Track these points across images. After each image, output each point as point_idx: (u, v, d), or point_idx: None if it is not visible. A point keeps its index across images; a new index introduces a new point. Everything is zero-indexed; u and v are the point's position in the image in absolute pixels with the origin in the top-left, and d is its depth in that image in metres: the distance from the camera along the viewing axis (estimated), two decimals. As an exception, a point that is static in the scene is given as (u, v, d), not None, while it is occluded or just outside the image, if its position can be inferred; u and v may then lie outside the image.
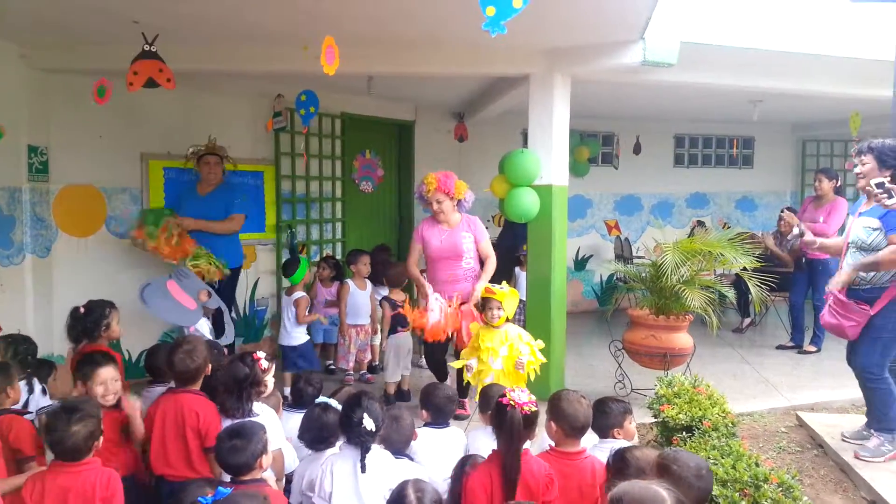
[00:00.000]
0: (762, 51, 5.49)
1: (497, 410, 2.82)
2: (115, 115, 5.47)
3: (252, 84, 6.43)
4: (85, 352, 3.89)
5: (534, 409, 2.81)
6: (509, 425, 2.73)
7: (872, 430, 4.24)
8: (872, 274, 4.03)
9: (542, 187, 5.37)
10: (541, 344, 4.44)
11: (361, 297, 5.98)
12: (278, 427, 3.38)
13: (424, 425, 3.59)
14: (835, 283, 4.12)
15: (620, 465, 2.71)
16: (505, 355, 4.32)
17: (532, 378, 4.34)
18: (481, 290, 4.63)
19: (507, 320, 4.48)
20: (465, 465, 2.96)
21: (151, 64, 4.32)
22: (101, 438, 2.77)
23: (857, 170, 4.16)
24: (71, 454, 2.63)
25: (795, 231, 4.70)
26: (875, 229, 4.03)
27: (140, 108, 5.55)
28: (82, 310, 4.00)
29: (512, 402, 2.77)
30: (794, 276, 7.20)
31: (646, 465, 2.65)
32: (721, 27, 5.30)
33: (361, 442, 2.82)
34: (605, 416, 3.40)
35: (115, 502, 2.65)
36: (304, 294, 5.58)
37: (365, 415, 2.82)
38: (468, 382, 4.69)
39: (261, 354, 3.36)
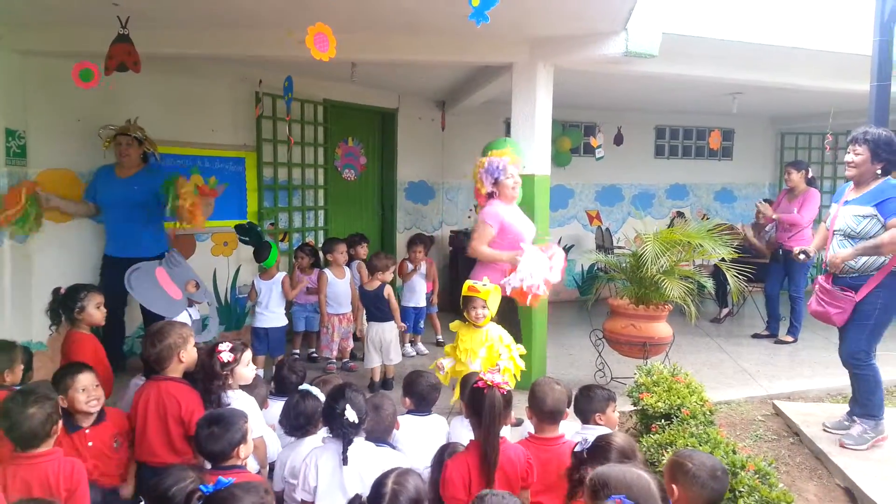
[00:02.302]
0: (742, 43, 5.53)
1: (474, 395, 2.81)
2: (94, 100, 5.39)
3: (233, 69, 6.37)
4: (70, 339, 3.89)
5: (509, 388, 2.85)
6: (490, 407, 2.73)
7: (855, 418, 4.30)
8: (862, 261, 4.07)
9: (524, 177, 5.36)
10: (522, 349, 4.30)
11: (341, 286, 5.97)
12: (258, 415, 3.38)
13: (407, 413, 3.61)
14: (834, 257, 4.09)
15: (602, 451, 2.68)
16: (484, 357, 4.15)
17: (514, 383, 4.21)
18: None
19: (490, 319, 4.27)
20: (445, 453, 2.99)
21: (123, 47, 4.29)
22: (60, 424, 2.72)
23: (848, 158, 4.17)
24: (28, 440, 2.59)
25: (798, 252, 4.66)
26: (866, 217, 4.06)
27: (119, 92, 5.47)
28: (63, 290, 3.99)
29: (489, 383, 2.78)
30: (770, 267, 7.30)
31: (629, 451, 2.67)
32: (702, 19, 5.34)
33: (344, 434, 2.82)
34: (589, 400, 3.44)
35: (80, 493, 2.62)
36: (286, 273, 5.80)
37: (347, 406, 2.83)
38: None
39: (223, 347, 3.28)
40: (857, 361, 4.21)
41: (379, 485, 2.38)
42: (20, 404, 2.60)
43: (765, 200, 7.97)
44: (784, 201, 7.21)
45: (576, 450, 2.77)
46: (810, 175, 7.16)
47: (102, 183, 5.45)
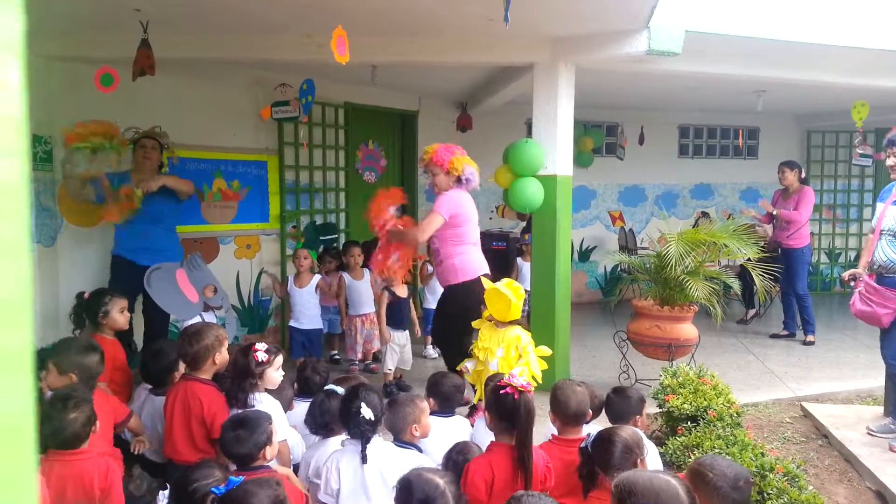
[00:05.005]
0: (767, 40, 5.45)
1: (502, 400, 2.76)
2: (117, 104, 5.43)
3: (254, 73, 6.41)
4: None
5: (531, 389, 2.82)
6: (526, 413, 2.69)
7: None
8: None
9: (546, 177, 5.35)
10: (545, 350, 4.08)
11: (360, 288, 5.97)
12: (283, 419, 3.38)
13: (430, 414, 3.59)
14: None
15: (606, 446, 2.60)
16: (501, 356, 4.04)
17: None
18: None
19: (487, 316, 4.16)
20: (453, 453, 2.96)
21: (143, 53, 4.32)
22: (98, 424, 2.75)
23: (889, 162, 4.15)
24: (70, 443, 2.62)
25: (848, 278, 4.51)
26: None
27: (142, 96, 5.52)
28: (87, 295, 4.02)
29: (519, 389, 2.74)
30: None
31: (633, 444, 2.60)
32: (726, 16, 5.27)
33: (362, 432, 2.82)
34: (625, 401, 3.41)
35: (114, 492, 2.64)
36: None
37: (363, 405, 2.82)
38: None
39: (260, 346, 3.30)
40: None
41: (434, 497, 2.25)
42: (60, 409, 2.61)
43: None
44: (780, 200, 7.24)
45: (581, 446, 2.72)
46: (803, 175, 7.21)
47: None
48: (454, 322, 4.69)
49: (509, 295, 3.99)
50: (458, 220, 4.62)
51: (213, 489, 2.15)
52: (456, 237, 4.65)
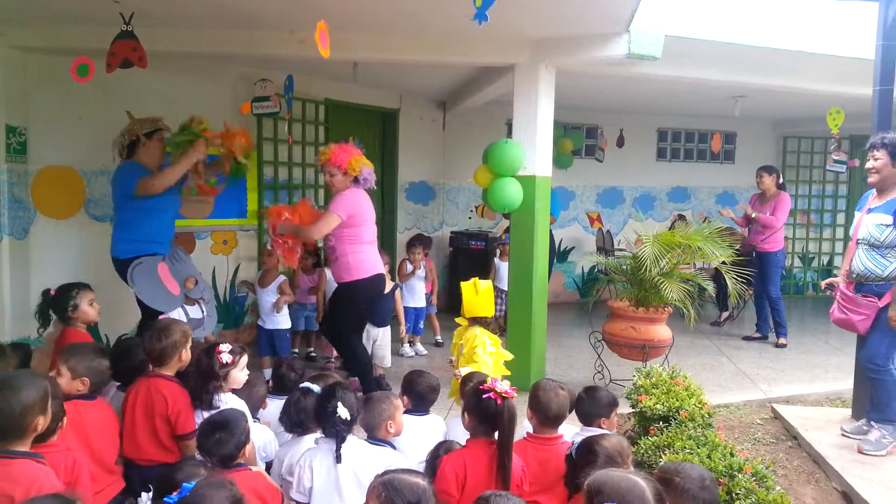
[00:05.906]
0: (746, 46, 5.52)
1: (484, 405, 2.77)
2: (95, 97, 5.38)
3: (234, 68, 6.37)
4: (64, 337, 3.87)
5: (514, 395, 2.84)
6: (509, 419, 2.72)
7: (873, 423, 4.27)
8: (889, 269, 4.04)
9: (525, 178, 5.38)
10: (506, 354, 4.10)
11: (338, 284, 5.95)
12: (248, 418, 3.37)
13: (405, 412, 3.60)
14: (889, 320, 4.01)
15: (588, 455, 2.65)
16: (463, 353, 4.13)
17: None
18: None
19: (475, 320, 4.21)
20: (441, 450, 2.98)
21: (126, 44, 4.27)
22: (65, 420, 2.69)
23: (868, 164, 4.18)
24: (38, 438, 2.55)
25: (825, 286, 4.62)
26: (888, 226, 4.04)
27: (121, 89, 5.45)
28: (52, 291, 3.97)
29: (503, 395, 2.76)
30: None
31: (615, 454, 2.64)
32: (706, 22, 5.33)
33: (336, 432, 2.82)
34: (593, 404, 3.42)
35: (80, 487, 2.60)
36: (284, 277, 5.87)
37: (339, 404, 2.82)
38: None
39: (224, 348, 3.27)
40: (875, 366, 4.17)
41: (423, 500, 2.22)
42: None
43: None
44: (757, 205, 7.33)
45: (567, 453, 2.75)
46: (780, 180, 7.30)
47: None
48: (344, 317, 4.90)
49: (463, 288, 4.12)
50: (356, 220, 4.79)
51: (165, 499, 2.12)
52: (353, 236, 4.81)
